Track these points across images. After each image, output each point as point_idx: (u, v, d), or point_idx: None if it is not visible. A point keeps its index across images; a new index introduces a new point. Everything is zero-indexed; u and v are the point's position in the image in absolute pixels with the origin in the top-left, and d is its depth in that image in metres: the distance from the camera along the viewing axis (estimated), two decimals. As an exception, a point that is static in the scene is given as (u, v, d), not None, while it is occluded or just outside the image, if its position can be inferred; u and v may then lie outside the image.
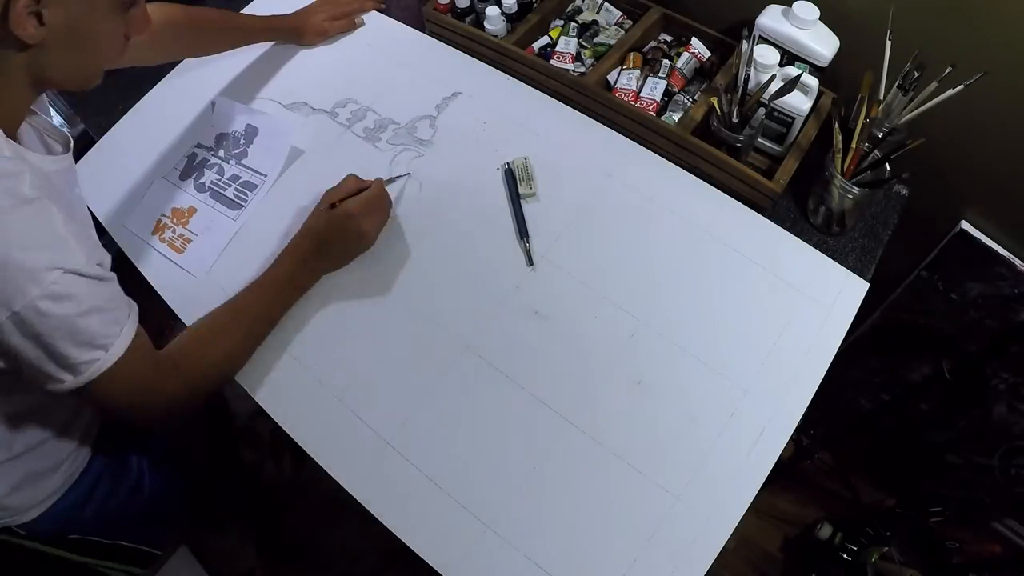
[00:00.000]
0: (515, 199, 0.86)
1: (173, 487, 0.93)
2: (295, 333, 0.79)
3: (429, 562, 0.65)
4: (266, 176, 0.92)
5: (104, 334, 0.59)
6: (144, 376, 0.64)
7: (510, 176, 0.88)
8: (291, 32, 1.03)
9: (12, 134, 0.60)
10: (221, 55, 1.03)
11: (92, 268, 0.58)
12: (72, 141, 0.70)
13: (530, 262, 0.82)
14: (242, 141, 0.95)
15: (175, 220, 0.90)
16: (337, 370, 0.76)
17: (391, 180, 0.87)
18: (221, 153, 0.95)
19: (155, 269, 0.86)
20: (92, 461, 0.79)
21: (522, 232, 0.83)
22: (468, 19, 1.09)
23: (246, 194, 0.91)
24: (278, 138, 0.93)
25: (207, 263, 0.86)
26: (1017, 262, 0.95)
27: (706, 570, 0.64)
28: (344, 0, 1.06)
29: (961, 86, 0.77)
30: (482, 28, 1.06)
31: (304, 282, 0.80)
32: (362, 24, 1.06)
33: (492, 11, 1.04)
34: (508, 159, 0.89)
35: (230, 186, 0.92)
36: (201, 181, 0.93)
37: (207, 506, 1.32)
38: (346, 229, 0.79)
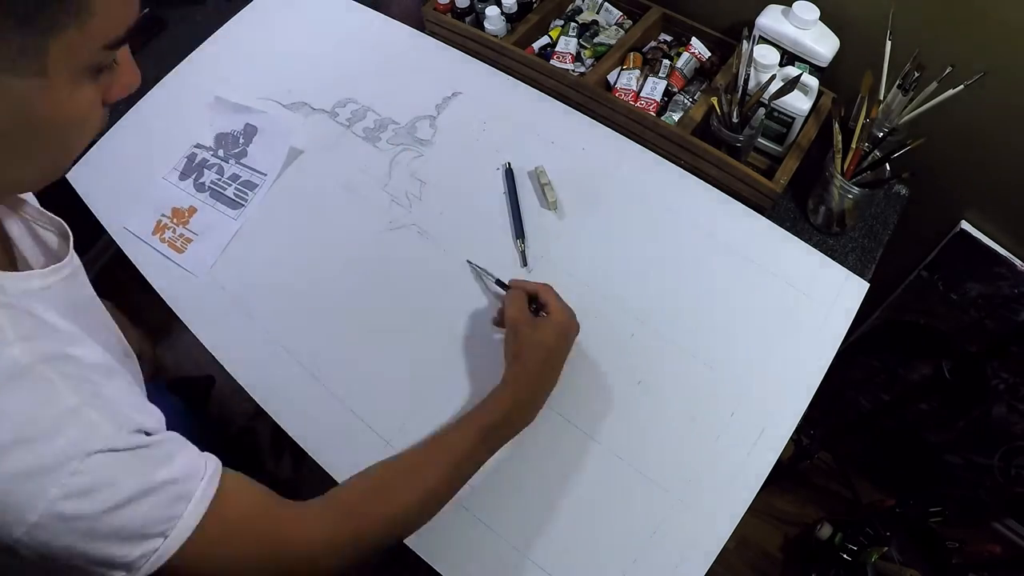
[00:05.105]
0: (513, 199, 0.86)
1: None
2: (295, 334, 0.79)
3: (429, 562, 0.65)
4: (266, 175, 0.92)
5: (161, 518, 0.44)
6: (257, 531, 0.51)
7: (509, 176, 0.88)
8: None
9: None
10: (218, 55, 1.03)
11: (127, 438, 0.43)
12: (70, 231, 0.55)
13: (524, 263, 0.82)
14: (241, 140, 0.95)
15: (175, 220, 0.90)
16: (337, 369, 0.76)
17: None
18: (220, 153, 0.95)
19: (155, 269, 0.86)
20: None
21: (518, 233, 0.83)
22: (468, 19, 1.09)
23: (246, 193, 0.91)
24: (277, 137, 0.93)
25: (207, 263, 0.86)
26: (1017, 262, 0.95)
27: (706, 570, 0.64)
28: None
29: (961, 86, 0.77)
30: (482, 28, 1.06)
31: (528, 415, 0.68)
32: None
33: (492, 11, 1.04)
34: (508, 159, 0.89)
35: (230, 185, 0.92)
36: (201, 181, 0.93)
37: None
38: (570, 332, 0.70)
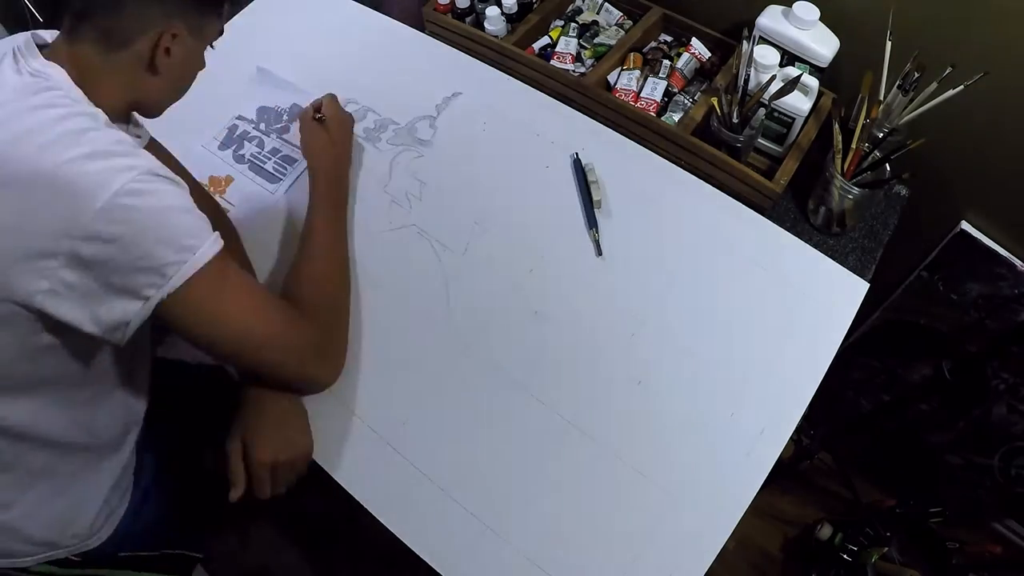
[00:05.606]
0: (584, 189, 0.86)
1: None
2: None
3: (429, 562, 0.65)
4: None
5: (190, 233, 0.57)
6: (255, 306, 0.62)
7: (578, 167, 0.87)
8: None
9: None
10: (225, 55, 1.03)
11: (169, 173, 0.57)
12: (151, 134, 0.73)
13: (599, 252, 0.82)
14: (285, 117, 0.96)
15: (212, 188, 0.90)
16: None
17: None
18: (262, 127, 0.96)
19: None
20: (140, 473, 0.78)
21: (591, 222, 0.83)
22: (468, 19, 1.09)
23: (285, 168, 0.91)
24: None
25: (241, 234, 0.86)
26: (1017, 262, 0.95)
27: (706, 570, 0.64)
28: None
29: (961, 86, 0.78)
30: (482, 28, 1.06)
31: (344, 192, 0.85)
32: None
33: (492, 11, 1.04)
34: (577, 154, 0.89)
35: (270, 159, 0.92)
36: (240, 153, 0.94)
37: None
38: (347, 124, 0.88)
